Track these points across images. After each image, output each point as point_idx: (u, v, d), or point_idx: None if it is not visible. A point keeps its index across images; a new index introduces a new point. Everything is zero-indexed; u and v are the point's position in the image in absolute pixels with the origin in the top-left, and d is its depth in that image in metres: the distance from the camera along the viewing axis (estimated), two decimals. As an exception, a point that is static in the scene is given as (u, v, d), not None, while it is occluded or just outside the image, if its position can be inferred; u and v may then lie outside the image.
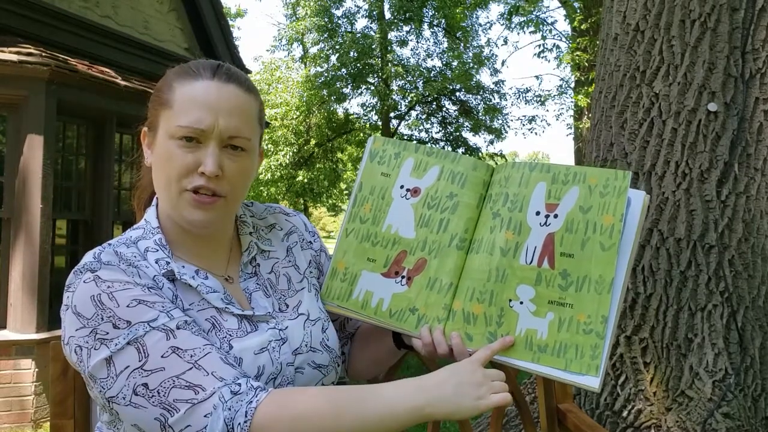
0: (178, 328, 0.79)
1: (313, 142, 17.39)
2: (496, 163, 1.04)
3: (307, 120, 17.17)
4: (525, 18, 13.92)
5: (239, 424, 0.74)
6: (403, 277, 0.98)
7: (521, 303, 0.90)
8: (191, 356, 0.78)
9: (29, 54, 3.72)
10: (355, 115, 17.66)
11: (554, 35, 15.06)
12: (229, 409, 0.74)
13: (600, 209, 0.90)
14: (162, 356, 0.77)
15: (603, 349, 0.85)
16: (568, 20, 12.95)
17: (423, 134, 17.99)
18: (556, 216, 0.92)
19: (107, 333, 0.77)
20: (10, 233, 3.76)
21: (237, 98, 0.89)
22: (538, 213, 0.93)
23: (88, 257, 0.84)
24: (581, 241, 0.90)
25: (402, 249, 0.99)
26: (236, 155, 0.88)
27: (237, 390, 0.76)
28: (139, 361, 0.76)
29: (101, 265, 0.82)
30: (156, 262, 0.87)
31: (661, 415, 2.03)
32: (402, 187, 1.02)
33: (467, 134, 17.64)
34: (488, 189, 0.99)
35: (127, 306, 0.79)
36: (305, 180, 16.92)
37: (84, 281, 0.81)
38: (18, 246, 3.74)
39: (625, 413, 2.08)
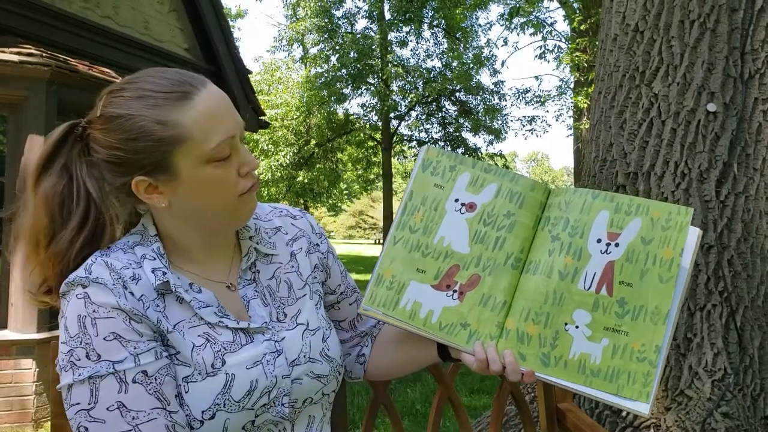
0: (134, 381, 0.80)
1: (313, 142, 17.40)
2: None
3: (307, 120, 17.19)
4: (525, 19, 13.92)
5: None
6: (455, 291, 0.98)
7: (577, 327, 0.93)
8: (133, 418, 0.79)
9: (30, 54, 3.72)
10: (355, 116, 17.68)
11: (554, 36, 15.07)
12: None
13: (661, 242, 0.94)
14: (107, 408, 0.79)
15: (655, 377, 0.89)
16: (567, 21, 12.96)
17: (423, 134, 18.00)
18: (617, 245, 0.95)
19: (79, 359, 0.80)
20: (11, 233, 3.77)
21: (224, 94, 0.89)
22: (599, 240, 0.95)
23: (79, 269, 0.84)
24: (641, 271, 0.93)
25: (454, 263, 0.99)
26: (243, 145, 0.91)
27: None
28: (89, 404, 0.79)
29: (90, 282, 0.82)
30: (152, 272, 0.86)
31: (660, 414, 2.03)
32: (457, 200, 1.02)
33: (467, 134, 17.66)
34: (544, 211, 1.00)
35: (104, 338, 0.80)
36: (305, 180, 16.93)
37: (76, 296, 0.82)
38: (19, 246, 3.74)
39: (624, 413, 2.08)
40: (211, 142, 0.83)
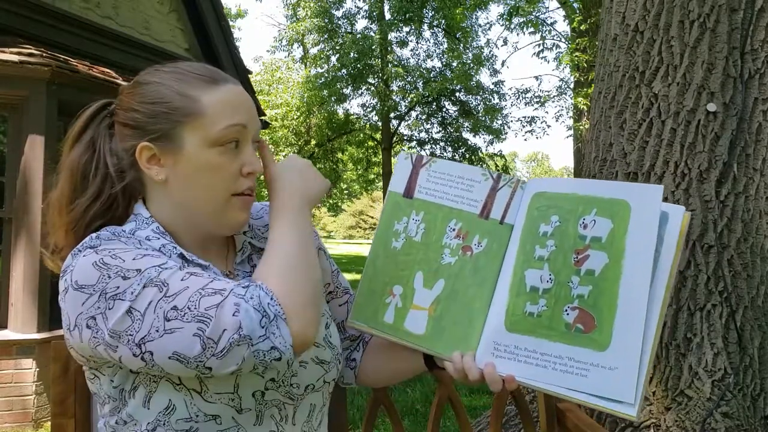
0: (188, 271, 0.80)
1: (313, 142, 17.42)
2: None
3: (308, 120, 17.21)
4: (524, 19, 13.92)
5: (268, 303, 0.76)
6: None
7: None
8: (208, 276, 0.80)
9: (30, 54, 3.73)
10: (355, 116, 17.69)
11: (553, 36, 15.07)
12: (251, 298, 0.76)
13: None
14: (181, 280, 0.77)
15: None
16: (567, 21, 12.96)
17: (423, 134, 18.01)
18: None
19: (118, 287, 0.77)
20: (12, 233, 3.77)
21: (249, 97, 0.92)
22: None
23: (84, 240, 0.84)
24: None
25: None
26: (255, 153, 0.92)
27: (246, 285, 0.78)
28: (161, 292, 0.76)
29: (101, 241, 0.82)
30: (159, 249, 0.86)
31: (660, 414, 2.03)
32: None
33: (467, 135, 17.67)
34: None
35: (134, 259, 0.79)
36: (305, 180, 16.91)
37: (83, 256, 0.80)
38: (19, 246, 3.75)
39: (624, 413, 2.08)
40: (221, 124, 0.86)
